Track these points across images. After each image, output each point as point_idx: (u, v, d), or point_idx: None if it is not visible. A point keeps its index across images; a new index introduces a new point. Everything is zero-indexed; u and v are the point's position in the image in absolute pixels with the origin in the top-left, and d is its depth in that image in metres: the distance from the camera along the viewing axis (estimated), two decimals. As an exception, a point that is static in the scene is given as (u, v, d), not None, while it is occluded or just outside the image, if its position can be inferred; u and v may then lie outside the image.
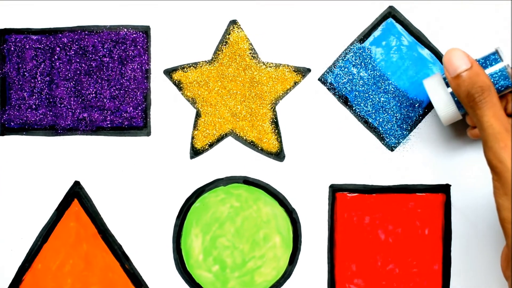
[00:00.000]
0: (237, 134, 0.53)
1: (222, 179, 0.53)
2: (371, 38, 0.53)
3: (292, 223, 0.53)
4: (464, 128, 0.52)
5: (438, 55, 0.52)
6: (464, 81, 0.42)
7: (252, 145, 0.53)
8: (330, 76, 0.53)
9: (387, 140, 0.53)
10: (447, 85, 0.46)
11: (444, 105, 0.46)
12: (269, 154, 0.53)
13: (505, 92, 0.45)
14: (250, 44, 0.53)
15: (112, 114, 0.53)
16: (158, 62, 0.53)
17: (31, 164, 0.53)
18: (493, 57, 0.45)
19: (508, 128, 0.40)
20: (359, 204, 0.53)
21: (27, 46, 0.53)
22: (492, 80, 0.44)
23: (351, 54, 0.53)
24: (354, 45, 0.53)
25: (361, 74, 0.53)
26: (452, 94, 0.46)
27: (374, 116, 0.53)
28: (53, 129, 0.53)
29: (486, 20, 0.52)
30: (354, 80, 0.53)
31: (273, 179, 0.53)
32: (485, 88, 0.41)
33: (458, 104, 0.46)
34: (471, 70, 0.42)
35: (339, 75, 0.53)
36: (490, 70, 0.45)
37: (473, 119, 0.42)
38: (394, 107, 0.52)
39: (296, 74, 0.53)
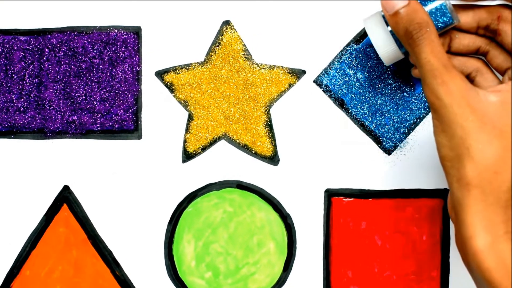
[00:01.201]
0: (231, 138, 0.52)
1: (215, 183, 0.52)
2: (367, 39, 0.52)
3: (286, 229, 0.52)
4: None
5: (436, 57, 0.52)
6: (402, 18, 0.41)
7: (246, 148, 0.52)
8: (326, 78, 0.52)
9: (384, 143, 0.52)
10: (387, 24, 0.45)
11: (383, 43, 0.45)
12: (263, 157, 0.52)
13: (446, 29, 0.44)
14: (244, 45, 0.52)
15: (102, 117, 0.52)
16: (150, 64, 0.52)
17: (19, 168, 0.52)
18: None
19: (446, 64, 0.40)
20: (355, 209, 0.52)
21: (15, 47, 0.52)
22: (431, 17, 0.44)
23: (347, 55, 0.52)
24: (350, 46, 0.52)
25: (358, 76, 0.52)
26: (392, 32, 0.45)
27: (370, 119, 0.52)
28: (41, 132, 0.52)
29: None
30: (350, 82, 0.52)
31: (267, 184, 0.52)
32: (423, 25, 0.41)
33: (399, 43, 0.45)
34: (409, 7, 0.41)
35: (334, 77, 0.52)
36: (429, 7, 0.44)
37: (412, 57, 0.42)
38: (391, 109, 0.52)
39: (291, 76, 0.52)
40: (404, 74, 0.52)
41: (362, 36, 0.52)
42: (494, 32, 0.44)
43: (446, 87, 0.39)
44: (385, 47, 0.46)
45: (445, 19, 0.44)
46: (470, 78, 0.45)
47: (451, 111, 0.39)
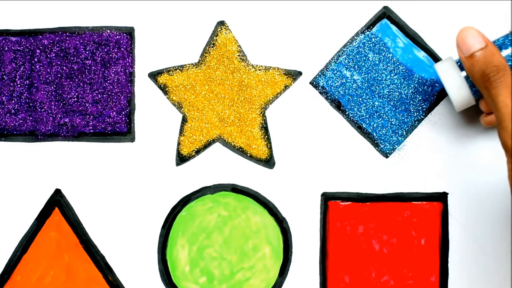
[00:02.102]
0: (225, 140, 0.52)
1: (209, 187, 0.52)
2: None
3: (282, 233, 0.52)
4: (462, 133, 0.51)
5: (434, 58, 0.51)
6: (479, 60, 0.42)
7: (241, 151, 0.52)
8: (322, 79, 0.51)
9: (381, 146, 0.51)
10: (460, 68, 0.46)
11: (457, 88, 0.46)
12: (258, 161, 0.52)
13: None
14: (239, 46, 0.52)
15: (95, 119, 0.52)
16: (143, 65, 0.52)
17: (10, 171, 0.52)
18: (507, 40, 0.45)
19: None
20: (352, 213, 0.51)
21: (6, 48, 0.52)
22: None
23: (344, 56, 0.51)
24: (347, 47, 0.51)
25: (355, 77, 0.51)
26: (466, 77, 0.45)
27: (368, 121, 0.51)
28: (33, 135, 0.52)
29: (484, 21, 0.50)
30: (347, 83, 0.51)
31: (262, 187, 0.52)
32: (500, 68, 0.41)
33: (472, 88, 0.46)
34: (486, 50, 0.42)
35: (331, 79, 0.51)
36: (505, 52, 0.44)
37: (487, 100, 0.42)
38: (389, 111, 0.51)
39: (287, 78, 0.51)
40: (401, 75, 0.51)
41: (363, 32, 0.51)
42: None
43: None
44: (458, 92, 0.46)
45: None
46: None
47: None
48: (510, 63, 0.44)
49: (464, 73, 0.46)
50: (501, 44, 0.45)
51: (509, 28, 0.50)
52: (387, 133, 0.51)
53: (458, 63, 0.46)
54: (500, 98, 0.40)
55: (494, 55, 0.42)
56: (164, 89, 0.52)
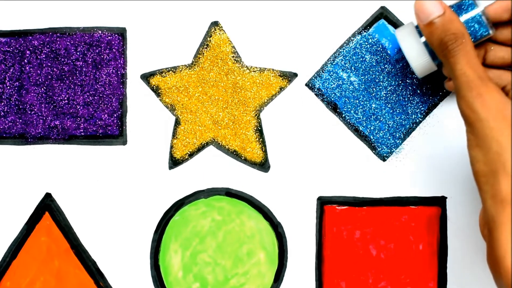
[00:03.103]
0: (219, 143, 0.51)
1: (203, 191, 0.51)
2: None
3: (277, 238, 0.51)
4: (461, 136, 0.50)
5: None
6: (437, 28, 0.41)
7: (235, 154, 0.51)
8: (318, 81, 0.51)
9: (378, 149, 0.51)
10: (420, 34, 0.45)
11: (416, 55, 0.45)
12: (253, 164, 0.51)
13: (481, 40, 0.44)
14: (233, 47, 0.51)
15: (86, 122, 0.51)
16: (135, 66, 0.51)
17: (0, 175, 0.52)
18: (468, 3, 0.44)
19: (482, 76, 0.39)
20: (349, 218, 0.51)
21: (-5, 49, 0.51)
22: (466, 27, 0.43)
23: (341, 57, 0.51)
24: (344, 48, 0.50)
25: (351, 79, 0.51)
26: (425, 43, 0.45)
27: (365, 124, 0.51)
28: (22, 138, 0.51)
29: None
30: (344, 85, 0.51)
31: (257, 191, 0.51)
32: (458, 36, 0.40)
33: (433, 54, 0.45)
34: (444, 17, 0.41)
35: (327, 80, 0.51)
36: (465, 17, 0.43)
37: (447, 68, 0.41)
38: (386, 114, 0.50)
39: (282, 79, 0.51)
40: (399, 77, 0.51)
41: (359, 33, 0.50)
42: None
43: (482, 100, 0.38)
44: (418, 59, 0.45)
45: (480, 30, 0.43)
46: (504, 91, 0.45)
47: (486, 125, 0.38)
48: (472, 28, 0.43)
49: (423, 39, 0.45)
50: (461, 8, 0.43)
51: None
52: (384, 136, 0.51)
53: (418, 29, 0.45)
54: (458, 66, 0.40)
55: (452, 22, 0.41)
56: (156, 91, 0.51)
